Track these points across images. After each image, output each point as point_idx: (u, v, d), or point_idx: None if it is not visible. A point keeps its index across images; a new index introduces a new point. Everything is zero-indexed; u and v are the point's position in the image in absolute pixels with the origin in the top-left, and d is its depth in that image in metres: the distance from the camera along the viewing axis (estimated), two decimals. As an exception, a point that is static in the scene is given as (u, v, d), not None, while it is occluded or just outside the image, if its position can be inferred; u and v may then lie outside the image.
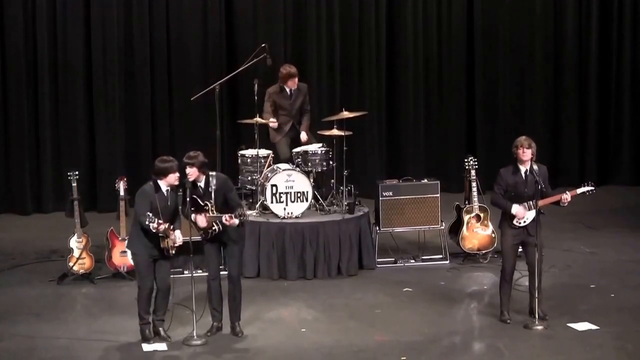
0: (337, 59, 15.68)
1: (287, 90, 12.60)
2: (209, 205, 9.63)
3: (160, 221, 9.30)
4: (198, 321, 9.63)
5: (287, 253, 11.74)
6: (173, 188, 9.56)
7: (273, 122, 12.54)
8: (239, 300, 9.90)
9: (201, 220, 9.63)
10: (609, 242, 13.11)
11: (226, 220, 9.54)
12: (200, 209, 9.65)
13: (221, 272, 9.94)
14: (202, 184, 9.67)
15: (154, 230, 9.31)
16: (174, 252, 9.54)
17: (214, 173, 9.75)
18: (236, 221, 9.61)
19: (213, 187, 9.65)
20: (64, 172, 12.57)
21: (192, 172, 9.59)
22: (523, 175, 9.94)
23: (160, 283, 9.65)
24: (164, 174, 9.47)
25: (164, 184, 9.51)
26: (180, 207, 9.58)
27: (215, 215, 9.60)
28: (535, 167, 9.92)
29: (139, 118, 15.29)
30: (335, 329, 10.07)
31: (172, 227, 9.49)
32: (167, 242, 9.46)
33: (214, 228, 9.65)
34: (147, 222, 9.24)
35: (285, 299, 11.09)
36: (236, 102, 15.22)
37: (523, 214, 9.90)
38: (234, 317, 9.90)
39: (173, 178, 9.48)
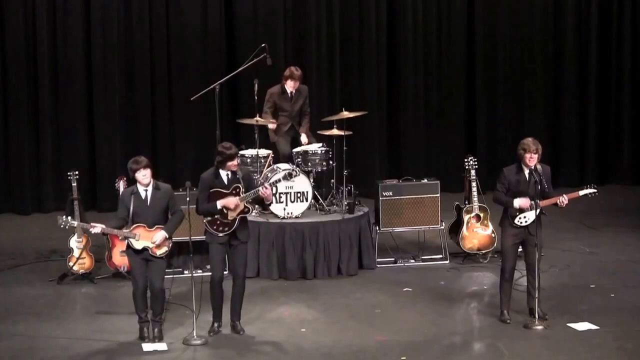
0: (337, 59, 15.68)
1: (288, 91, 12.59)
2: (240, 187, 9.67)
3: (94, 224, 9.49)
4: (197, 319, 9.64)
5: (287, 253, 11.74)
6: (159, 187, 9.62)
7: (272, 124, 12.52)
8: (242, 299, 9.91)
9: (232, 201, 9.63)
10: (609, 242, 13.11)
11: (264, 189, 9.67)
12: (226, 196, 9.68)
13: (224, 273, 9.94)
14: (228, 174, 9.71)
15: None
16: (159, 252, 9.54)
17: None
18: (270, 192, 9.80)
19: (240, 174, 9.73)
20: (64, 172, 12.57)
21: (237, 162, 9.72)
22: (526, 175, 9.94)
23: (150, 286, 9.64)
24: (131, 173, 9.58)
25: (139, 185, 9.57)
26: (195, 207, 9.67)
27: (247, 194, 9.67)
28: (538, 166, 9.92)
29: (139, 118, 15.30)
30: (335, 329, 10.07)
31: (155, 227, 9.52)
32: (132, 243, 9.48)
33: (246, 210, 9.71)
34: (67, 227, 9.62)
35: (285, 299, 11.09)
36: (236, 102, 15.23)
37: (527, 204, 9.87)
38: (235, 316, 9.90)
39: (139, 177, 9.52)
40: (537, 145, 9.86)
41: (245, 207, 9.71)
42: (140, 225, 9.50)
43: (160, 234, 9.52)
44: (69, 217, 9.72)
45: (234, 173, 9.72)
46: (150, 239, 9.50)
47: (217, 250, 9.78)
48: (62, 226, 9.61)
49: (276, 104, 12.59)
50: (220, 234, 9.70)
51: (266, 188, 9.72)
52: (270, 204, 10.34)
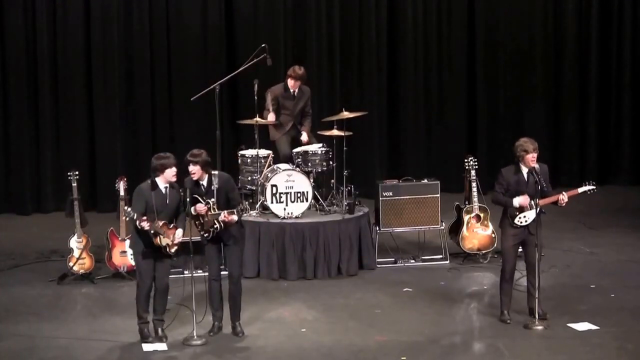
0: (337, 59, 15.68)
1: (291, 90, 12.58)
2: (211, 203, 9.62)
3: (144, 218, 9.26)
4: (199, 322, 9.63)
5: (287, 253, 11.74)
6: (173, 185, 9.56)
7: (271, 119, 12.50)
8: (240, 300, 9.89)
9: (200, 207, 9.56)
10: (609, 242, 13.11)
11: (225, 216, 9.54)
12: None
13: (221, 273, 9.93)
14: (204, 182, 9.67)
15: (140, 227, 9.27)
16: (173, 250, 9.52)
17: (216, 172, 9.74)
18: (235, 217, 9.61)
19: (215, 186, 9.64)
20: (64, 172, 12.57)
21: (195, 170, 9.58)
22: (525, 175, 9.93)
23: (158, 283, 9.63)
24: (160, 169, 9.45)
25: (161, 181, 9.49)
26: (184, 207, 9.60)
27: (215, 213, 9.60)
28: (536, 166, 9.91)
29: (139, 118, 15.30)
30: (335, 329, 10.07)
31: (172, 225, 9.49)
32: (160, 240, 9.41)
33: (215, 227, 9.64)
34: (128, 218, 9.30)
35: (286, 299, 11.09)
36: (236, 102, 15.23)
37: (526, 202, 9.86)
38: (234, 317, 9.89)
39: (170, 174, 9.46)
40: (535, 144, 9.88)
41: (214, 223, 9.61)
42: (165, 223, 9.46)
43: (180, 232, 9.52)
44: (130, 209, 9.42)
45: (209, 182, 9.67)
46: (169, 237, 9.48)
47: (210, 249, 9.79)
48: (126, 218, 9.42)
49: (279, 102, 12.59)
50: (204, 239, 9.74)
51: (230, 214, 9.57)
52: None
